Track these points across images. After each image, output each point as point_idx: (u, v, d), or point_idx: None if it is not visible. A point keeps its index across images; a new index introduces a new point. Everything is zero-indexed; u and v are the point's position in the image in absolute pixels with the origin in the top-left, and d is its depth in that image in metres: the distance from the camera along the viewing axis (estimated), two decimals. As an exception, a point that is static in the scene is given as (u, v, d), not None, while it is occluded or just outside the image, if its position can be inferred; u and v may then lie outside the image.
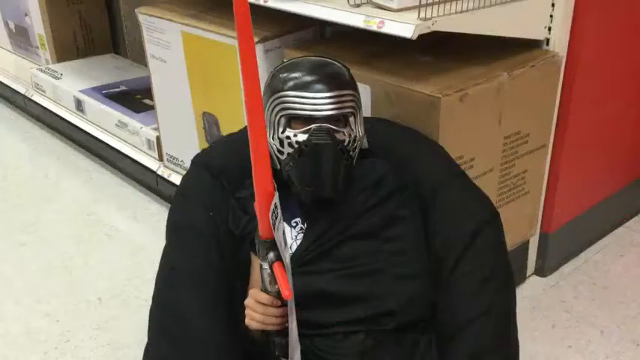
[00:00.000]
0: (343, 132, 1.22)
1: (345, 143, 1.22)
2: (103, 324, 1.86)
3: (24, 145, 2.99)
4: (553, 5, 1.63)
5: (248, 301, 1.15)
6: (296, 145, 1.21)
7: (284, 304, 1.10)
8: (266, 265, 1.06)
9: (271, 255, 1.04)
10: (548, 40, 1.68)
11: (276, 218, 1.01)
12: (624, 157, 2.14)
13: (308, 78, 1.21)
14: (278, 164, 1.25)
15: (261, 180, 0.98)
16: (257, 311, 1.13)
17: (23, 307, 1.94)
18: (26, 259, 2.17)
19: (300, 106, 1.20)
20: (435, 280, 1.25)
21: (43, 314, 1.91)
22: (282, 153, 1.24)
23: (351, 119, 1.24)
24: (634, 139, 2.14)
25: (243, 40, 0.90)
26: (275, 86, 1.24)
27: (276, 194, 1.00)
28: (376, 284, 1.21)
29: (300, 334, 1.13)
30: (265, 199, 0.99)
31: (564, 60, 1.71)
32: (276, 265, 1.04)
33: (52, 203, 2.50)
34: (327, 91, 1.20)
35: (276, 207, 1.01)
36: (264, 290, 1.11)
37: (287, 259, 1.06)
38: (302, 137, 1.21)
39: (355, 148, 1.25)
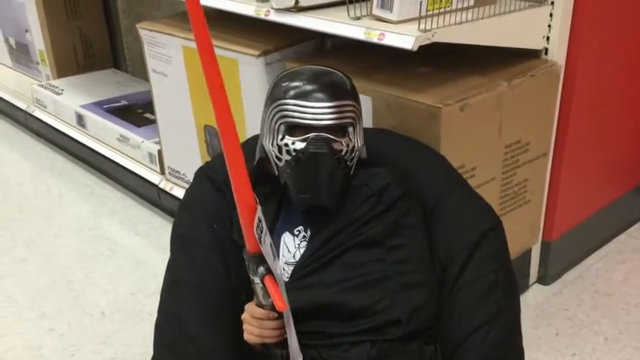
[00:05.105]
0: (341, 142, 1.23)
1: (343, 153, 1.23)
2: (107, 338, 1.86)
3: (25, 160, 3.00)
4: (551, 15, 1.65)
5: (244, 316, 1.16)
6: (293, 153, 1.22)
7: (280, 315, 1.10)
8: (257, 280, 1.06)
9: (261, 269, 1.04)
10: (546, 50, 1.69)
11: (261, 232, 1.01)
12: (624, 165, 2.15)
13: (308, 87, 1.22)
14: (276, 171, 1.26)
15: (242, 195, 0.98)
16: (254, 325, 1.13)
17: (26, 323, 1.94)
18: (28, 275, 2.16)
19: (299, 115, 1.21)
20: (440, 289, 1.25)
21: (47, 329, 1.91)
22: (280, 160, 1.24)
23: (350, 129, 1.24)
24: (633, 146, 2.15)
25: (203, 49, 0.91)
26: (276, 94, 1.25)
27: (259, 208, 1.00)
28: (381, 294, 1.21)
29: (305, 345, 1.13)
30: (248, 214, 0.99)
31: (563, 69, 1.72)
32: (267, 279, 1.03)
33: (54, 218, 2.50)
34: (327, 101, 1.20)
35: (260, 221, 1.00)
36: (259, 304, 1.11)
37: (278, 271, 1.05)
38: (300, 145, 1.21)
39: (353, 158, 1.26)
